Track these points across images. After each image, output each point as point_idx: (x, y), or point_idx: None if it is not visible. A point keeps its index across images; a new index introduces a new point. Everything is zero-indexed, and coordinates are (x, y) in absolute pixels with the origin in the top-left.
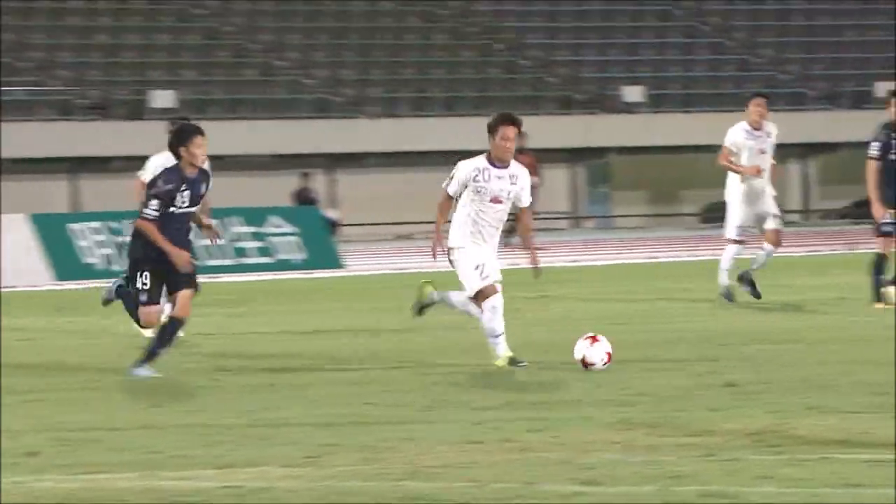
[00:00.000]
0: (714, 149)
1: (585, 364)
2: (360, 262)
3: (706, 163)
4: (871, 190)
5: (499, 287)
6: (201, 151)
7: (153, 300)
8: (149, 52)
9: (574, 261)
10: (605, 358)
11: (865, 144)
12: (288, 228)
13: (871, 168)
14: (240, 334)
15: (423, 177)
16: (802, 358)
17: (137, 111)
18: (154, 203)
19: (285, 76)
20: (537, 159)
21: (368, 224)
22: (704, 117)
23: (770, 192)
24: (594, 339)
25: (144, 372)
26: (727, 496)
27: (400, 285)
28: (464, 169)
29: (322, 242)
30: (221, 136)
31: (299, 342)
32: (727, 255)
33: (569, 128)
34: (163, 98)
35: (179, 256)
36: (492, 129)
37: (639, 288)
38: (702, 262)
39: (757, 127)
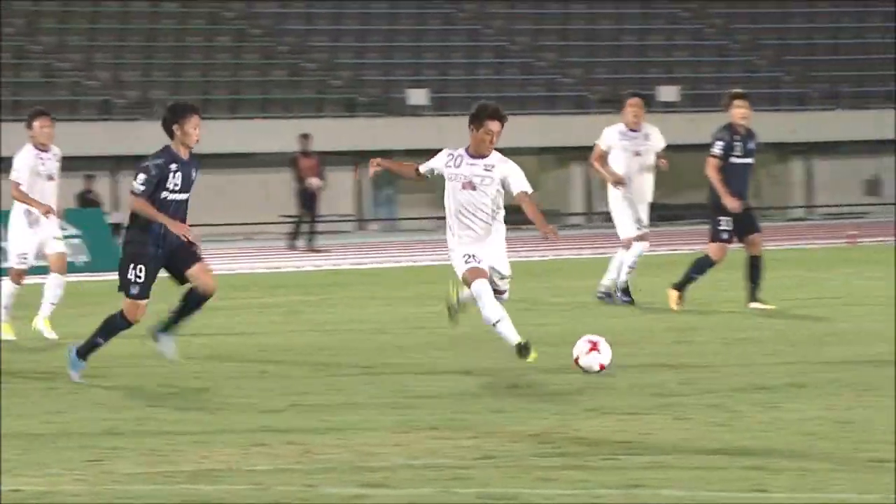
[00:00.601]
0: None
1: (581, 365)
2: None
3: None
4: (719, 185)
5: (484, 271)
6: (196, 132)
7: (143, 295)
8: None
9: (359, 263)
10: (597, 368)
11: None
12: (71, 231)
13: (714, 164)
14: (20, 337)
15: (205, 179)
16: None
17: None
18: (140, 177)
19: (67, 78)
20: (321, 162)
21: None
22: None
23: (648, 197)
24: (594, 346)
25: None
26: (508, 498)
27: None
28: (441, 155)
29: (105, 245)
30: (3, 138)
31: None
32: (632, 254)
33: (353, 130)
34: None
35: (177, 226)
36: (475, 122)
37: (424, 290)
38: None
39: (633, 128)
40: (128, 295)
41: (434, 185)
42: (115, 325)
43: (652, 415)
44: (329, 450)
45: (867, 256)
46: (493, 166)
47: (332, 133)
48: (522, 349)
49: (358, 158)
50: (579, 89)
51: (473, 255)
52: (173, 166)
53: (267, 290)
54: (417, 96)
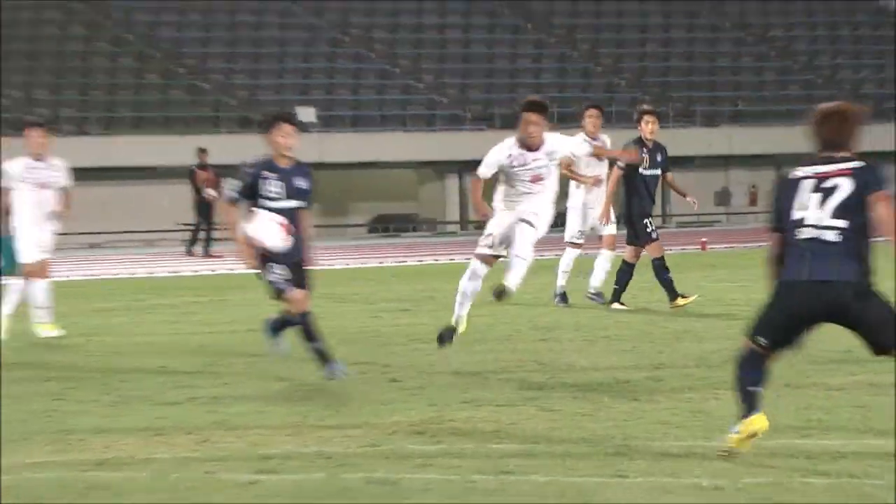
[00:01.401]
0: (379, 165)
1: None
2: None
3: (372, 178)
4: (609, 197)
5: (483, 258)
6: (285, 140)
7: (297, 286)
8: None
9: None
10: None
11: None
12: None
13: (615, 176)
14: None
15: (110, 191)
16: (457, 356)
17: None
18: (232, 183)
19: None
20: (218, 174)
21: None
22: (371, 136)
23: (601, 201)
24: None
25: (340, 369)
26: (391, 483)
27: (101, 292)
28: (495, 154)
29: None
30: None
31: None
32: (567, 258)
33: (247, 145)
34: None
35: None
36: (519, 117)
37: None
38: (369, 268)
39: (594, 137)
40: (281, 293)
41: (321, 196)
42: (307, 328)
43: (521, 406)
44: (224, 439)
45: (717, 261)
46: (552, 152)
47: (227, 148)
48: (445, 333)
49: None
50: (455, 108)
51: (490, 237)
52: (267, 174)
53: (167, 292)
54: (306, 114)
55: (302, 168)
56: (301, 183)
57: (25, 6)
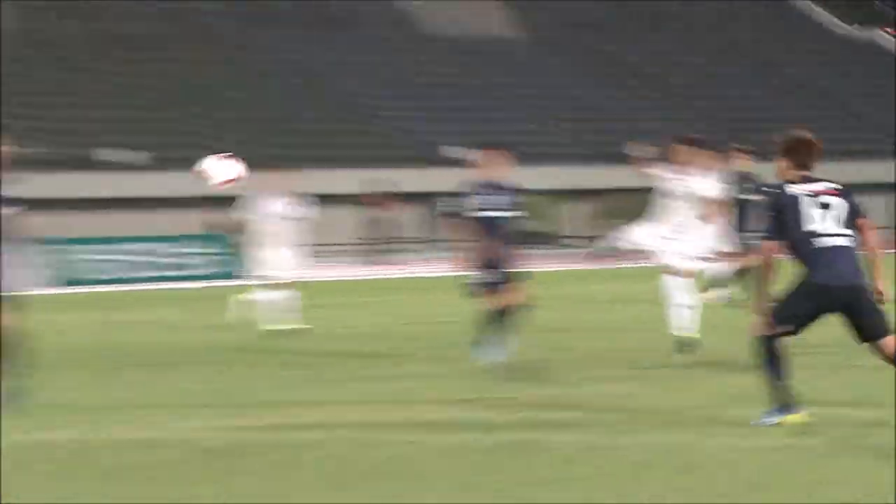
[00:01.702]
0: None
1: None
2: None
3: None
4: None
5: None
6: (489, 163)
7: (495, 289)
8: None
9: (429, 272)
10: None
11: None
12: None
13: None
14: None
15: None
16: (581, 343)
17: None
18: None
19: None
20: (384, 198)
21: None
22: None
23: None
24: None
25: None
26: (530, 442)
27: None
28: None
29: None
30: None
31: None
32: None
33: (404, 177)
34: None
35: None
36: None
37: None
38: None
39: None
40: (479, 293)
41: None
42: (503, 320)
43: (628, 382)
44: (397, 408)
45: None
46: (685, 179)
47: (403, 179)
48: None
49: (408, 197)
50: (575, 147)
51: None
52: (479, 190)
53: (350, 292)
54: (455, 152)
55: (508, 186)
56: (507, 197)
57: (215, 61)
